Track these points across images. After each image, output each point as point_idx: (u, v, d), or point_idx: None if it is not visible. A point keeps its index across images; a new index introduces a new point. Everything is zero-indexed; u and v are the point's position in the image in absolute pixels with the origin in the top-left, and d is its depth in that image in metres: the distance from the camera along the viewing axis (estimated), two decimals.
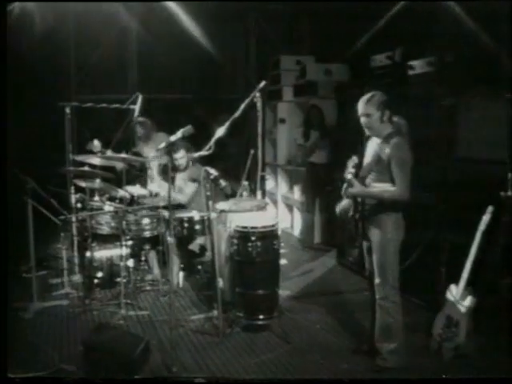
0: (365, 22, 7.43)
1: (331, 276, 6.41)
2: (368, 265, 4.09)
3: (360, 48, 7.42)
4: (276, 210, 8.01)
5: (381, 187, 3.84)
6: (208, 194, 4.78)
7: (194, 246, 5.97)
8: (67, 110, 5.64)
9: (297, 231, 8.27)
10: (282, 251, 7.39)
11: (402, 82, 5.42)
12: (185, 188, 5.83)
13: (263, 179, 9.24)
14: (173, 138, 4.05)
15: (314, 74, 7.73)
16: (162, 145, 4.13)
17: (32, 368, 4.00)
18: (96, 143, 5.90)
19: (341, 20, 8.10)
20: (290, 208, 8.74)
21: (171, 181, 5.23)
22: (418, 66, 5.24)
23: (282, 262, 7.02)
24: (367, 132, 3.93)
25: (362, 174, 3.93)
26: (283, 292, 5.68)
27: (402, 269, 4.15)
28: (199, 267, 6.01)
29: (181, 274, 5.93)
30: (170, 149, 4.12)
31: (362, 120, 3.90)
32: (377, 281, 3.92)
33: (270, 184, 9.23)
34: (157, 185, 6.13)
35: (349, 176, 3.88)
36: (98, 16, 8.19)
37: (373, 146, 3.96)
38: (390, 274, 3.88)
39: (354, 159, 3.94)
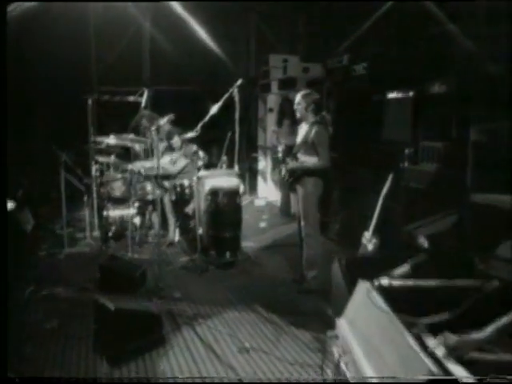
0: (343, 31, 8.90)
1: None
2: (296, 212, 5.70)
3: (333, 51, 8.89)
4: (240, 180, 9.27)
5: (307, 159, 5.43)
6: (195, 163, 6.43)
7: (189, 209, 7.60)
8: (89, 102, 7.22)
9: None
10: (264, 217, 9.07)
11: (347, 80, 6.95)
12: (178, 162, 7.41)
13: (255, 160, 10.86)
14: (161, 122, 5.68)
15: (294, 70, 9.25)
16: (153, 127, 5.75)
17: (64, 286, 5.70)
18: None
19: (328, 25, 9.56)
20: (277, 184, 10.30)
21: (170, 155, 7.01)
22: (357, 69, 6.76)
23: (262, 224, 8.69)
24: (297, 115, 5.53)
25: (295, 151, 5.53)
26: (255, 244, 7.33)
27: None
28: (191, 225, 7.61)
29: (177, 230, 7.55)
30: (160, 129, 5.73)
31: (295, 106, 5.51)
32: (302, 223, 5.52)
33: (261, 164, 10.80)
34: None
35: (281, 157, 5.51)
36: (114, 17, 9.75)
37: (302, 131, 5.55)
38: (311, 217, 5.47)
39: (283, 146, 5.57)
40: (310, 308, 5.18)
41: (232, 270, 6.34)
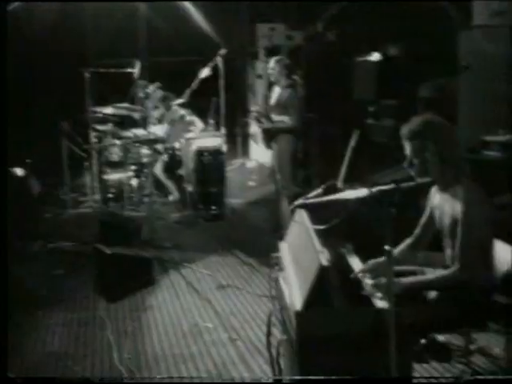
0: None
1: None
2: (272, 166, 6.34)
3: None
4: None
5: (280, 119, 6.07)
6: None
7: (182, 171, 8.21)
8: (86, 74, 7.79)
9: None
10: (254, 177, 9.70)
11: (322, 46, 7.52)
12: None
13: (246, 124, 11.44)
14: (148, 90, 6.32)
15: (279, 39, 9.77)
16: (142, 95, 6.36)
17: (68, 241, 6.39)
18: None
19: None
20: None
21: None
22: (329, 35, 7.32)
23: (251, 183, 9.35)
24: (272, 78, 6.14)
25: (269, 111, 6.16)
26: (242, 200, 8.02)
27: None
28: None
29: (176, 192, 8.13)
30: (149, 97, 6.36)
31: (268, 71, 6.12)
32: (278, 177, 6.19)
33: (252, 128, 11.36)
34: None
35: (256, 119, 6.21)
36: None
37: (275, 94, 6.17)
38: (286, 171, 6.23)
39: (254, 109, 6.20)
40: None
41: (219, 222, 7.03)
